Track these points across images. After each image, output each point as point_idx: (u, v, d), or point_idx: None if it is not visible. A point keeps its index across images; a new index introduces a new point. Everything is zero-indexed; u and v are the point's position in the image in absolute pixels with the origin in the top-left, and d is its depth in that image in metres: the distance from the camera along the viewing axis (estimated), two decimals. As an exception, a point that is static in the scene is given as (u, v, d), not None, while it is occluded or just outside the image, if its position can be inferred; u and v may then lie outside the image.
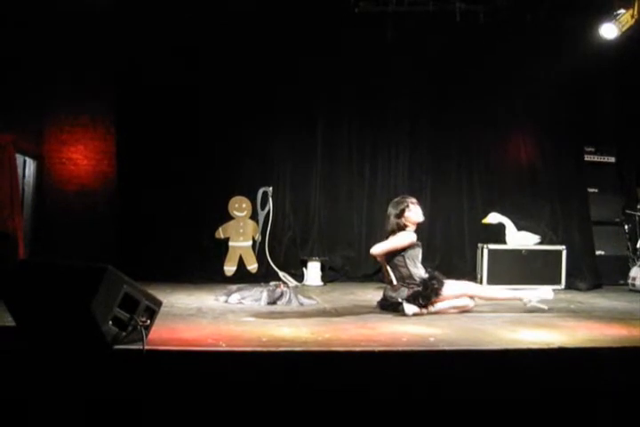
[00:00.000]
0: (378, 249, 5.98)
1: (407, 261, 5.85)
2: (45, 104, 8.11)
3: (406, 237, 5.90)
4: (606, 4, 7.90)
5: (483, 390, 3.81)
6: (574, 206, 8.74)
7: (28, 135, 7.97)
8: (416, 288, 5.72)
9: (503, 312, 5.95)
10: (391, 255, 5.91)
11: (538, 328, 4.95)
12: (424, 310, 5.63)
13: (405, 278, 5.83)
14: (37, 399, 3.52)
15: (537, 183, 8.77)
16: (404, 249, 5.87)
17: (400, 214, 5.94)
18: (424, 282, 5.74)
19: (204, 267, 8.08)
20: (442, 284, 5.73)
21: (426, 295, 5.65)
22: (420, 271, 5.87)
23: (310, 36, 8.29)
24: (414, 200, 6.06)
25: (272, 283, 6.75)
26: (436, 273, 5.93)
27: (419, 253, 5.98)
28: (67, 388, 3.53)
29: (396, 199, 6.10)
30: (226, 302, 6.26)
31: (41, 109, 8.11)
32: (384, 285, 7.86)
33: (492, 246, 8.16)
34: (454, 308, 5.82)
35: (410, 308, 5.55)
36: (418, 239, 6.01)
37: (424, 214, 6.26)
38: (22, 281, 3.96)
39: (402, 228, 5.94)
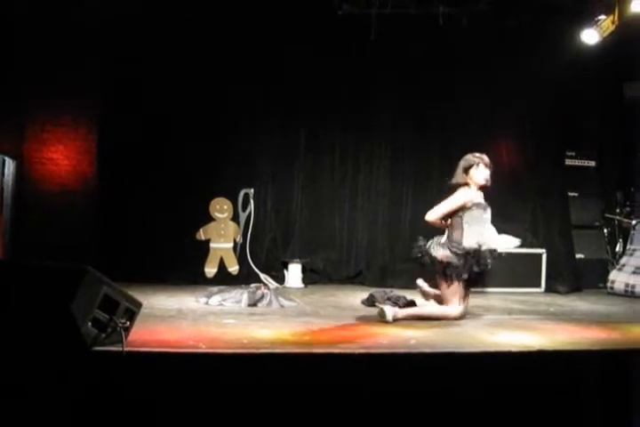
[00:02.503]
0: (432, 215, 5.63)
1: (464, 223, 5.51)
2: (27, 104, 8.04)
3: (460, 197, 5.58)
4: (587, 10, 7.97)
5: (462, 393, 3.83)
6: (555, 210, 8.78)
7: (8, 135, 7.91)
8: (453, 259, 5.43)
9: (483, 315, 5.97)
10: (448, 217, 5.60)
11: (517, 331, 4.99)
12: (400, 314, 5.40)
13: (453, 241, 5.51)
14: (15, 401, 3.49)
15: (518, 187, 8.78)
16: (462, 209, 5.55)
17: (466, 170, 5.65)
18: (465, 255, 5.42)
19: (185, 268, 8.02)
20: (482, 268, 5.41)
21: (455, 271, 5.41)
22: (473, 238, 5.47)
23: (294, 38, 8.27)
24: (487, 161, 5.69)
25: (253, 285, 6.75)
26: (487, 253, 5.47)
27: (480, 214, 5.56)
28: (45, 389, 3.51)
29: (469, 154, 5.75)
30: (206, 303, 6.24)
31: (22, 109, 8.04)
32: (365, 287, 7.92)
33: (473, 249, 8.16)
34: (431, 317, 5.50)
35: (390, 312, 5.34)
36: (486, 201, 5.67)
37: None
38: (0, 282, 3.92)
39: (461, 185, 5.65)
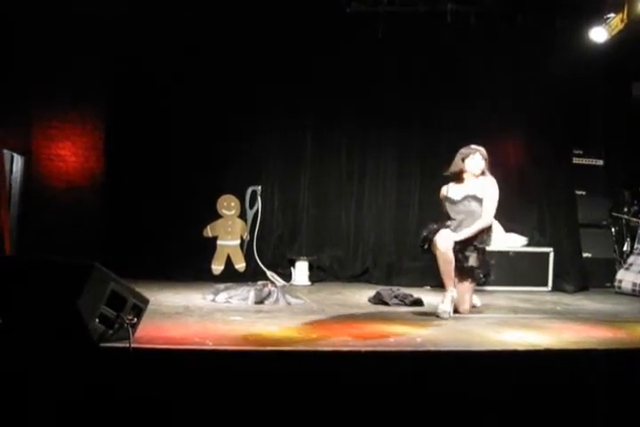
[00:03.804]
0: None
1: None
2: (34, 100, 8.05)
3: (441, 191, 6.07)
4: (597, 8, 7.94)
5: (468, 391, 3.82)
6: (562, 209, 8.76)
7: (16, 131, 7.92)
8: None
9: (489, 313, 5.97)
10: None
11: (524, 330, 4.97)
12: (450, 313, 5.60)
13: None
14: (21, 398, 3.50)
15: (525, 185, 8.77)
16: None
17: (463, 160, 5.93)
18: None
19: (192, 265, 8.03)
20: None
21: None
22: (451, 226, 5.82)
23: (301, 36, 8.28)
24: (483, 152, 5.95)
25: (260, 282, 6.74)
26: (436, 227, 5.76)
27: (446, 207, 5.98)
28: (52, 385, 3.52)
29: (467, 146, 6.03)
30: (213, 300, 6.24)
31: (30, 105, 8.05)
32: (372, 285, 7.95)
33: (480, 248, 8.16)
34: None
35: (444, 308, 5.52)
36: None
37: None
38: (7, 277, 3.94)
39: (453, 175, 6.00)
